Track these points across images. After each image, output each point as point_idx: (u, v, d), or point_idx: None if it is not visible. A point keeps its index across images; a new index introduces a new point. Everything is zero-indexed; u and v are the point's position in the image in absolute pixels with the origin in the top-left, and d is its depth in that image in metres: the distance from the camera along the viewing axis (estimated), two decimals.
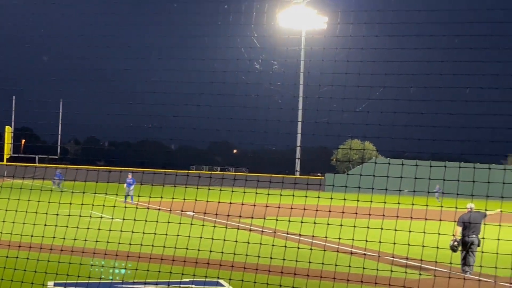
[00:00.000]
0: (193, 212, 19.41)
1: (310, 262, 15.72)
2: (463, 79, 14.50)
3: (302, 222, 17.80)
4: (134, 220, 15.92)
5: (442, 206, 14.70)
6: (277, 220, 16.39)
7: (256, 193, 16.41)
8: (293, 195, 17.16)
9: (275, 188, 18.77)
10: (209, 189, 17.85)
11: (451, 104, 14.70)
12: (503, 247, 15.17)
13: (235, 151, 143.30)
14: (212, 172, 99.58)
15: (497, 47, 14.20)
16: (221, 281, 16.74)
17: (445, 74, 14.62)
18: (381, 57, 15.51)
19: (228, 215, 17.43)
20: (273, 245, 15.90)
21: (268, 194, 16.73)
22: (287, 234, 17.75)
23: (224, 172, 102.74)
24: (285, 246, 15.60)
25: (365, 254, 20.10)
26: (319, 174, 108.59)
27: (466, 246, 19.77)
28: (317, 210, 15.71)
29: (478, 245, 19.67)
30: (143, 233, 15.89)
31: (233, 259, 15.38)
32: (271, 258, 15.39)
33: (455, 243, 19.77)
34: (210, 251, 15.53)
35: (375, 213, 15.57)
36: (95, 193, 16.76)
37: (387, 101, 15.93)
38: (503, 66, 14.22)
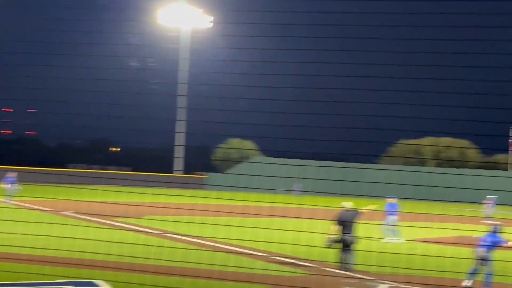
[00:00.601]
0: (69, 211, 18.90)
1: (186, 262, 15.65)
2: (339, 80, 14.87)
3: (182, 222, 17.71)
4: (4, 220, 15.31)
5: (316, 205, 15.02)
6: (156, 220, 16.22)
7: (136, 192, 16.18)
8: (174, 195, 17.04)
9: (156, 187, 18.60)
10: (86, 188, 17.44)
11: (329, 105, 15.02)
12: (376, 245, 15.68)
13: (115, 149, 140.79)
14: (91, 170, 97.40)
15: (369, 50, 14.67)
16: (96, 281, 16.36)
17: (321, 76, 14.93)
18: (264, 58, 15.64)
19: (106, 215, 17.09)
20: (157, 246, 15.70)
21: (149, 193, 16.54)
22: (167, 233, 17.60)
23: (104, 171, 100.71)
24: (163, 246, 15.45)
25: (242, 253, 20.23)
26: (200, 173, 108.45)
27: (342, 244, 20.13)
28: (197, 210, 15.69)
29: (354, 243, 20.10)
30: (13, 233, 15.29)
31: (109, 259, 15.08)
32: (148, 258, 15.19)
33: (331, 241, 20.13)
34: (85, 252, 15.15)
35: (254, 212, 15.68)
36: None
37: (268, 101, 16.07)
38: (374, 68, 14.71)
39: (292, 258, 20.05)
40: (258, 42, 15.73)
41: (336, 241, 20.22)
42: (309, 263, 17.60)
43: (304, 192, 64.46)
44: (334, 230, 20.32)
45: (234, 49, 16.16)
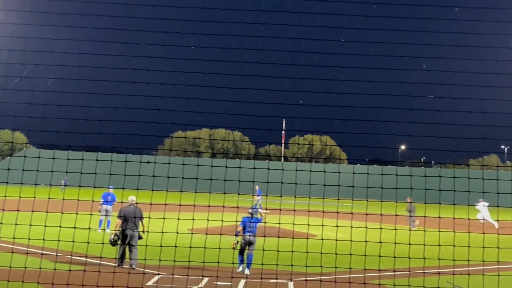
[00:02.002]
0: None
1: None
2: (115, 72, 14.62)
3: None
4: None
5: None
6: None
7: None
8: None
9: None
10: None
11: (103, 97, 14.74)
12: (155, 237, 15.62)
13: None
14: None
15: (139, 42, 14.65)
16: None
17: (93, 67, 14.64)
18: (31, 47, 14.95)
19: None
20: None
21: None
22: None
23: None
24: None
25: (27, 252, 19.15)
26: None
27: (126, 239, 19.73)
28: None
29: (140, 238, 19.80)
30: None
31: None
32: None
33: (115, 237, 19.68)
34: None
35: (24, 208, 14.95)
36: None
37: (40, 92, 15.42)
38: (145, 60, 14.69)
39: (67, 253, 19.46)
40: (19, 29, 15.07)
41: (120, 236, 19.83)
42: (88, 258, 17.10)
43: (66, 186, 63.73)
44: (118, 224, 19.93)
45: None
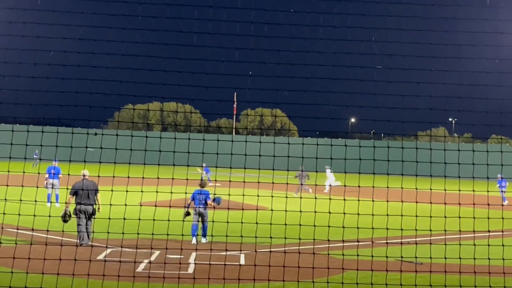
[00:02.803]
0: None
1: None
2: (47, 42, 14.33)
3: None
4: None
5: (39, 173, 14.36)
6: None
7: None
8: None
9: None
10: None
11: (52, 68, 14.43)
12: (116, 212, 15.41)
13: None
14: None
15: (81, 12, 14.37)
16: None
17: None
18: None
19: None
20: None
21: None
22: None
23: None
24: None
25: None
26: None
27: (82, 215, 19.31)
28: None
29: (93, 214, 19.42)
30: None
31: None
32: None
33: (68, 213, 19.28)
34: None
35: None
36: None
37: None
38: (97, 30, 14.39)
39: (13, 227, 19.14)
40: None
41: (74, 212, 19.46)
42: (35, 232, 16.83)
43: (40, 160, 62.54)
44: (70, 200, 19.56)
45: None
